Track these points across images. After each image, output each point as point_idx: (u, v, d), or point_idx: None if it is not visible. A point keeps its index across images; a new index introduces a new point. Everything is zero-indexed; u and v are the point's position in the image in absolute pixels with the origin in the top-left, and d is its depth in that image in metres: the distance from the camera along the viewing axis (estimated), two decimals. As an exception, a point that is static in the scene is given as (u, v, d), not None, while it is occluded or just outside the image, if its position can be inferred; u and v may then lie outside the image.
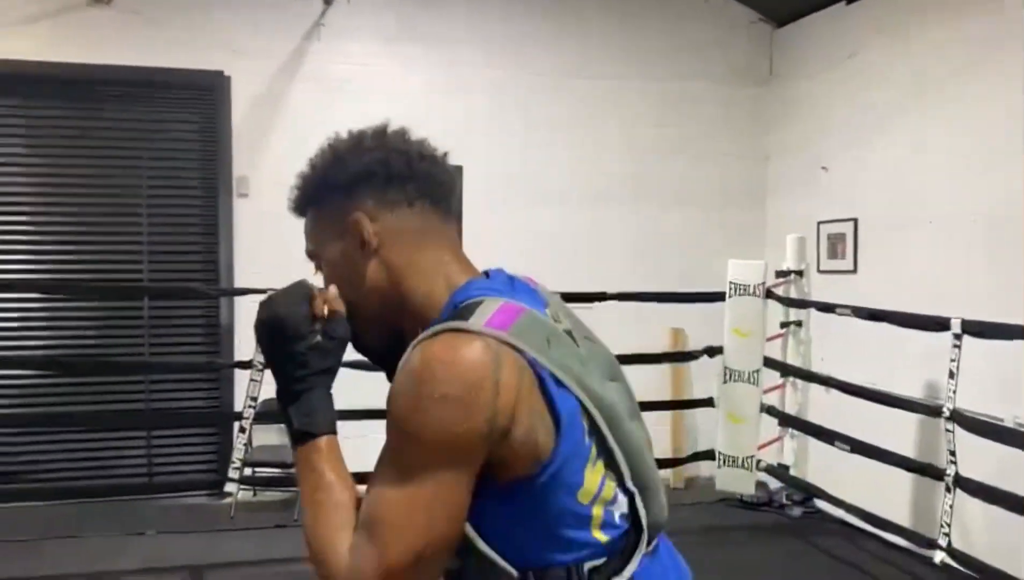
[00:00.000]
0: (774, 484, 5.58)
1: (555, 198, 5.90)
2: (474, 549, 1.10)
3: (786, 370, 5.50)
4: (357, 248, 1.18)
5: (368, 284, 1.19)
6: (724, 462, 5.24)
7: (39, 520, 4.85)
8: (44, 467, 5.29)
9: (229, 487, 4.55)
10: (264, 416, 4.58)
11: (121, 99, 5.42)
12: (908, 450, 4.55)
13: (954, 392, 3.97)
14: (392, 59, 5.67)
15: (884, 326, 4.47)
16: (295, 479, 1.16)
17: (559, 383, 1.08)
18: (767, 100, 6.21)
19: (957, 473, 3.97)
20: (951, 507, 4.00)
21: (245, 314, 5.15)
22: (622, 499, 1.14)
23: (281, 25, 5.48)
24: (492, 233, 5.79)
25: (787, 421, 5.47)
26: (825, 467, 5.27)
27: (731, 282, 5.20)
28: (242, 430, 4.51)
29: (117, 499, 5.20)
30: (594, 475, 1.11)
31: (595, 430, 1.11)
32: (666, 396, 5.86)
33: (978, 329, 3.91)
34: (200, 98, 5.49)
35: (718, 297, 5.24)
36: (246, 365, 4.56)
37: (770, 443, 5.53)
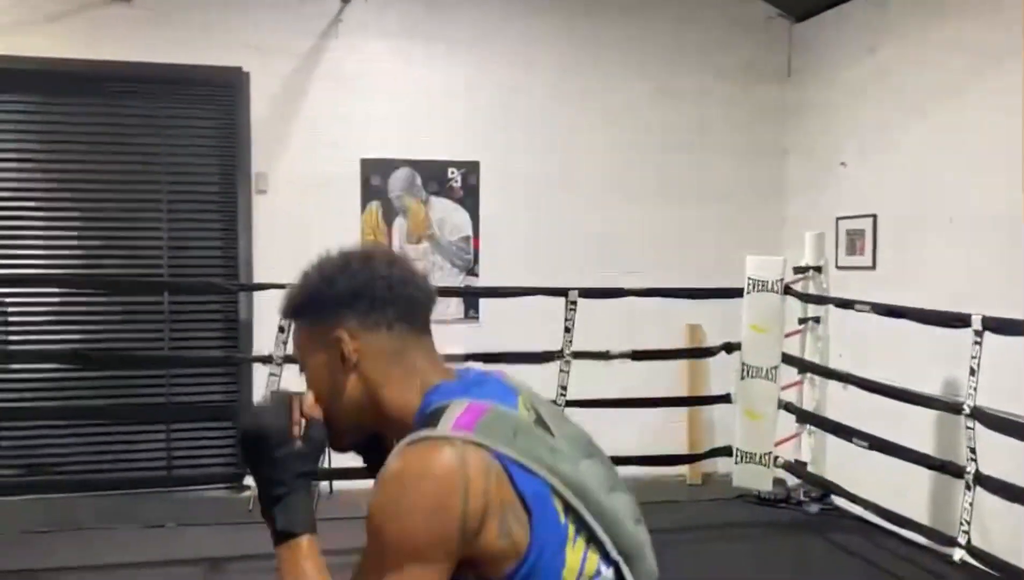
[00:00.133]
0: (792, 481, 5.56)
1: (573, 195, 5.91)
2: None
3: (804, 366, 5.48)
4: (338, 362, 1.27)
5: (346, 395, 1.28)
6: (741, 458, 5.23)
7: (60, 512, 4.91)
8: (65, 460, 5.35)
9: (248, 480, 4.58)
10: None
11: (141, 96, 5.46)
12: (926, 447, 4.52)
13: (975, 389, 3.95)
14: (410, 56, 5.69)
15: (903, 322, 4.45)
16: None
17: (527, 470, 1.16)
18: (785, 95, 6.18)
19: (977, 470, 3.95)
20: (971, 504, 3.97)
21: (264, 309, 5.19)
22: (606, 572, 1.23)
23: (299, 22, 5.50)
24: (508, 230, 5.82)
25: (805, 417, 5.45)
26: (843, 464, 5.25)
27: (749, 278, 5.18)
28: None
29: (136, 492, 5.26)
30: (575, 553, 1.19)
31: (571, 509, 1.19)
32: (684, 392, 5.85)
33: (998, 326, 3.89)
34: (219, 95, 5.53)
35: (736, 293, 5.22)
36: (265, 360, 4.59)
37: (788, 439, 5.51)
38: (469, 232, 5.79)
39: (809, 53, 6.01)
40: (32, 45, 5.15)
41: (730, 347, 5.30)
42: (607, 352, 5.04)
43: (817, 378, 5.53)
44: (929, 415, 4.53)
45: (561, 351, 4.92)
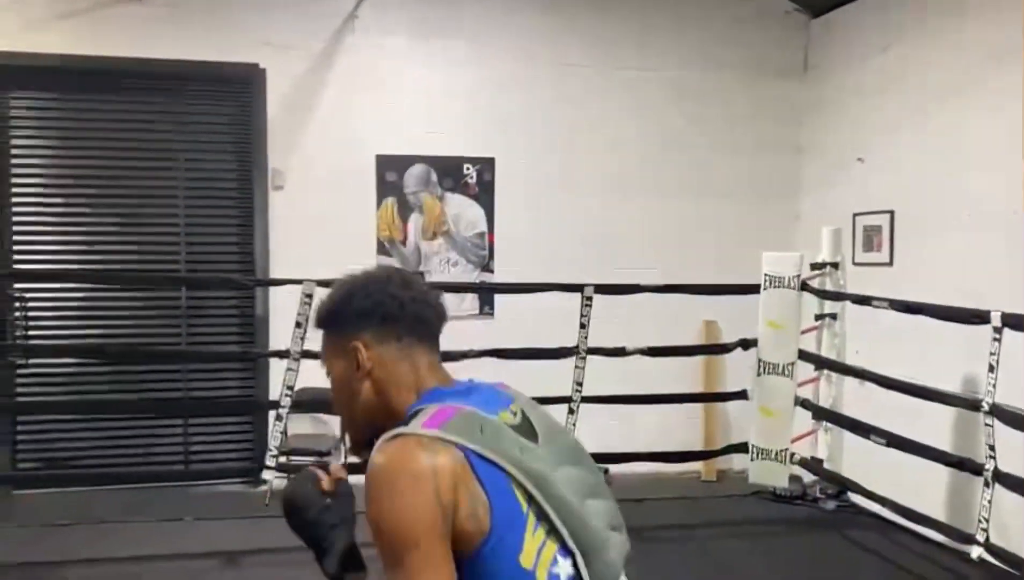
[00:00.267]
0: (808, 478, 5.54)
1: (588, 190, 5.90)
2: None
3: (821, 363, 5.46)
4: (355, 368, 1.47)
5: (362, 397, 1.48)
6: (758, 455, 5.21)
7: (79, 505, 4.95)
8: (84, 454, 5.40)
9: (265, 474, 4.61)
10: (300, 405, 4.64)
11: (157, 92, 5.49)
12: (944, 444, 4.50)
13: (994, 386, 3.92)
14: (425, 53, 5.69)
15: (920, 319, 4.42)
16: None
17: (488, 461, 1.30)
18: (802, 90, 6.14)
19: (996, 467, 3.92)
20: (989, 502, 3.94)
21: (280, 304, 5.20)
22: (563, 561, 1.33)
23: (315, 18, 5.52)
24: (524, 226, 5.82)
25: (821, 414, 5.42)
26: (859, 461, 5.23)
27: (766, 274, 5.17)
28: (279, 418, 4.57)
29: (154, 486, 5.30)
30: (534, 540, 1.31)
31: (534, 500, 1.31)
32: (699, 388, 5.85)
33: (1018, 322, 3.86)
34: (236, 91, 5.55)
35: (752, 289, 5.20)
36: (282, 355, 4.62)
37: (804, 436, 5.49)
38: (484, 228, 5.80)
39: (826, 48, 5.97)
40: (51, 42, 5.18)
41: (746, 343, 5.28)
42: (623, 348, 5.03)
43: (834, 374, 5.51)
44: (947, 412, 4.50)
45: (577, 347, 4.92)
